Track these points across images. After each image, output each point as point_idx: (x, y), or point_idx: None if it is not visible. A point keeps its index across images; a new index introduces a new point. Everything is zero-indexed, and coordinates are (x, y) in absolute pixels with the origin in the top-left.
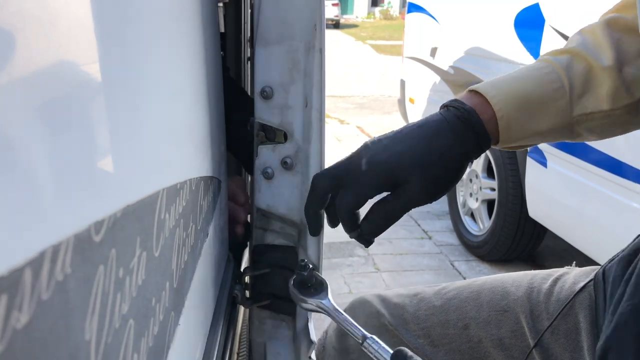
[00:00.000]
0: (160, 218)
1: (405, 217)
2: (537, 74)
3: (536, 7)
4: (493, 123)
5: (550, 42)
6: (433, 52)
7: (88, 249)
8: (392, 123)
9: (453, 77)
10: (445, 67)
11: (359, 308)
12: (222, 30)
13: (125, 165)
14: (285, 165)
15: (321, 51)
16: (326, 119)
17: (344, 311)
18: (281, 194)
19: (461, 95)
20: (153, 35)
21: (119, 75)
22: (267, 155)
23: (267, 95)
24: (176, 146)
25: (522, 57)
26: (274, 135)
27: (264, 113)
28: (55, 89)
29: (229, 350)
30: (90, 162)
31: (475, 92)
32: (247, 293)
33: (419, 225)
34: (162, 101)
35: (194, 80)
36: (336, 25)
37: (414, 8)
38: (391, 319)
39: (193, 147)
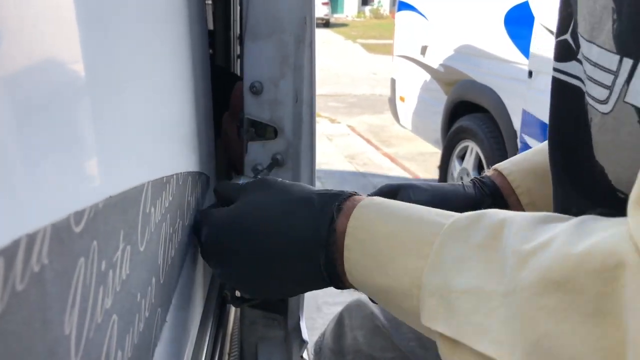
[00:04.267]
0: (146, 212)
1: None
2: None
3: (525, 5)
4: None
5: (540, 40)
6: (423, 50)
7: (67, 240)
8: (383, 122)
9: (443, 75)
10: (435, 66)
11: (355, 309)
12: (211, 27)
13: (109, 156)
14: (276, 161)
15: (311, 45)
16: (317, 118)
17: (341, 312)
18: None
19: None
20: (139, 28)
21: (103, 66)
22: (257, 151)
23: (256, 90)
24: (162, 139)
25: (513, 55)
26: (264, 131)
27: (254, 109)
28: (40, 81)
29: (218, 349)
30: (71, 151)
31: None
32: (238, 292)
33: None
34: (147, 95)
35: (180, 75)
36: (326, 24)
37: (404, 6)
38: (385, 321)
39: (180, 141)
